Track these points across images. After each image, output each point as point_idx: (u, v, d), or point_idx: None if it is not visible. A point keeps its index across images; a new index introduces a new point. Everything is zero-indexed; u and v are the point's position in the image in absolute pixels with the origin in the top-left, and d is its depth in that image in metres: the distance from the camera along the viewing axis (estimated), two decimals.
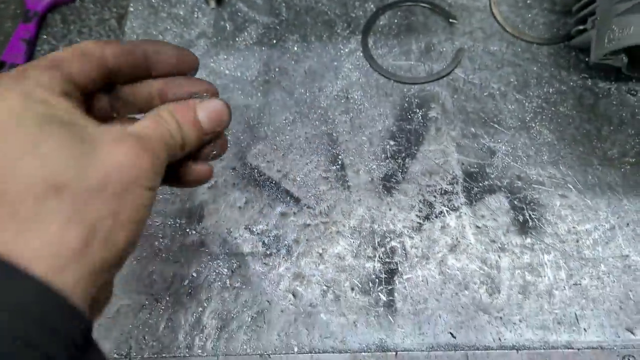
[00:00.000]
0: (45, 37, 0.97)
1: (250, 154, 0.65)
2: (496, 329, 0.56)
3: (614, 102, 0.68)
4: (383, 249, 0.60)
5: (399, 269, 0.59)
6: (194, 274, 0.59)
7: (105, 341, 0.56)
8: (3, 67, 0.95)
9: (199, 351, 0.56)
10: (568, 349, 0.55)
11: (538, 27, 0.73)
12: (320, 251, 0.59)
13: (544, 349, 0.55)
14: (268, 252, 0.59)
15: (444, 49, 0.72)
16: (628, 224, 0.61)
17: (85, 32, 0.98)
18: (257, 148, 0.65)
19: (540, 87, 0.69)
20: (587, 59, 0.70)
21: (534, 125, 0.67)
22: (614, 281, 0.58)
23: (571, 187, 0.63)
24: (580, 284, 0.58)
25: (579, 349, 0.55)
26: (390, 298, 0.57)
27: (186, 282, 0.59)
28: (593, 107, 0.68)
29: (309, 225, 0.61)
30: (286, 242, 0.60)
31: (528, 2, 0.75)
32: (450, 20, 0.73)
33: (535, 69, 0.70)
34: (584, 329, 0.56)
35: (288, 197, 0.62)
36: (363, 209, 0.62)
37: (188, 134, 0.38)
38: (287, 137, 0.66)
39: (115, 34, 0.84)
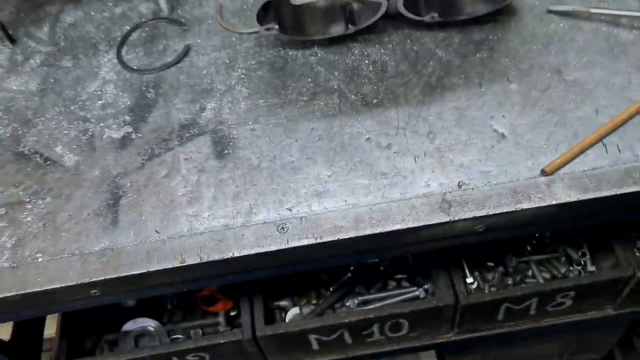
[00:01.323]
0: None
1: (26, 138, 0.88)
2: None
3: (299, 63, 0.92)
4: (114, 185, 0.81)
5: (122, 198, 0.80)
6: None
7: None
8: None
9: None
10: None
11: (249, 22, 0.98)
12: None
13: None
14: None
15: (178, 47, 0.96)
16: (297, 140, 0.83)
17: None
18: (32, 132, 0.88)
19: (245, 61, 0.93)
20: (283, 38, 0.94)
21: (237, 87, 0.90)
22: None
23: (261, 123, 0.86)
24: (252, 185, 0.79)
25: None
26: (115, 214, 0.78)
27: None
28: (283, 68, 0.92)
29: None
30: None
31: (244, 7, 1.00)
32: (184, 27, 0.98)
33: (243, 48, 0.95)
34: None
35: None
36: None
37: None
38: (52, 114, 0.89)
39: None
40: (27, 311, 0.78)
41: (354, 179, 0.79)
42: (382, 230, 0.74)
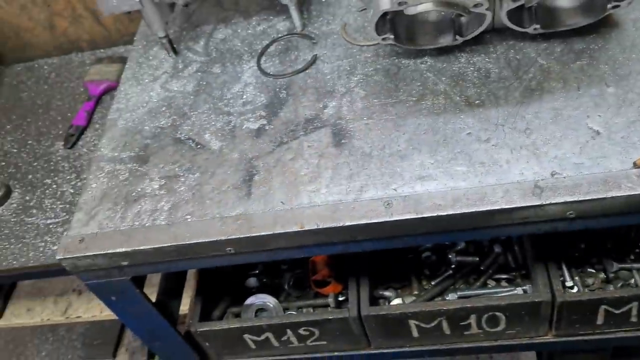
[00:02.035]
0: (100, 109, 1.51)
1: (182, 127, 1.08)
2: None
3: (410, 69, 1.05)
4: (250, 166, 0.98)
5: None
6: None
7: None
8: (71, 127, 1.47)
9: None
10: None
11: (369, 36, 1.12)
12: None
13: None
14: None
15: (307, 57, 1.13)
16: (405, 133, 0.95)
17: None
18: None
19: (363, 68, 1.07)
20: (398, 50, 1.07)
21: (355, 90, 1.04)
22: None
23: (374, 119, 0.99)
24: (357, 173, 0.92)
25: None
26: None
27: None
28: (396, 74, 1.05)
29: None
30: None
31: (365, 24, 1.15)
32: (313, 41, 1.15)
33: (362, 58, 1.09)
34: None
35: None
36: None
37: None
38: (203, 109, 1.08)
39: None
40: (175, 263, 0.96)
41: (454, 167, 0.89)
42: (476, 210, 0.83)
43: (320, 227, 0.88)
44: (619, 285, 1.12)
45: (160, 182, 1.01)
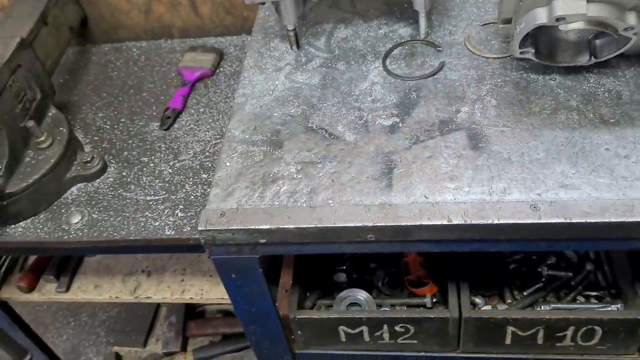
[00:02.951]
0: (193, 95, 1.53)
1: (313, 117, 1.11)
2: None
3: (540, 84, 1.09)
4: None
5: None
6: None
7: None
8: (167, 110, 1.49)
9: None
10: None
11: (493, 49, 1.17)
12: None
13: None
14: None
15: (433, 63, 1.17)
16: (542, 143, 0.99)
17: (218, 92, 1.52)
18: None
19: (492, 78, 1.12)
20: (525, 64, 1.12)
21: (487, 98, 1.09)
22: None
23: (509, 127, 1.03)
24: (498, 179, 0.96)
25: None
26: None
27: None
28: (526, 87, 1.09)
29: None
30: None
31: (488, 38, 1.20)
32: (438, 48, 1.19)
33: (490, 69, 1.13)
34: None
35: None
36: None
37: None
38: (332, 102, 1.12)
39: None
40: (313, 245, 0.99)
41: (596, 178, 0.93)
42: (625, 220, 0.87)
43: (468, 222, 0.91)
44: None
45: (297, 167, 1.03)
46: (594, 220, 0.88)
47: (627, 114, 1.02)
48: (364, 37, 1.26)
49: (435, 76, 1.15)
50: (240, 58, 1.58)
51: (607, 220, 0.88)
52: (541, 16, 0.96)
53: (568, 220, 0.89)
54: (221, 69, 1.59)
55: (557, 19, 0.95)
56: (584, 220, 0.88)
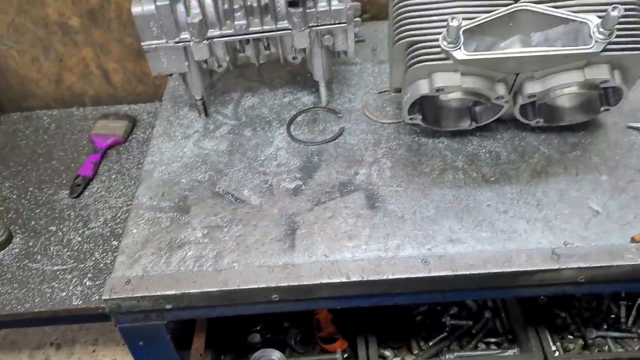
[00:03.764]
0: (105, 162, 1.54)
1: (220, 182, 1.15)
2: None
3: (430, 147, 1.19)
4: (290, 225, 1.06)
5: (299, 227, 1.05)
6: None
7: None
8: (78, 177, 1.49)
9: None
10: None
11: (389, 115, 1.27)
12: None
13: None
14: None
15: (334, 129, 1.25)
16: (432, 201, 1.07)
17: (130, 159, 1.54)
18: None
19: (387, 142, 1.21)
20: (417, 129, 1.22)
21: (382, 160, 1.17)
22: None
23: (403, 187, 1.11)
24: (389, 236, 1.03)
25: None
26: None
27: None
28: (417, 150, 1.19)
29: None
30: None
31: (384, 105, 1.30)
32: (338, 115, 1.28)
33: (385, 134, 1.23)
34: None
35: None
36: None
37: None
38: (239, 167, 1.16)
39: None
40: (218, 308, 1.01)
41: (479, 232, 1.02)
42: (504, 270, 0.96)
43: (365, 279, 0.97)
44: (596, 350, 1.27)
45: (203, 232, 1.06)
46: (477, 272, 0.96)
47: (505, 172, 1.12)
48: (270, 104, 1.34)
49: (336, 141, 1.23)
50: (153, 124, 1.61)
51: (488, 271, 0.96)
52: (423, 87, 1.07)
53: (455, 273, 0.96)
54: (134, 135, 1.61)
55: (437, 90, 1.05)
56: (468, 272, 0.96)
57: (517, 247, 0.99)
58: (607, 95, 1.11)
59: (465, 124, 1.17)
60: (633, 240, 0.98)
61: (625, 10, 1.02)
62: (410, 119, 1.15)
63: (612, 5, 0.94)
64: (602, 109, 1.12)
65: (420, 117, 1.15)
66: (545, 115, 1.15)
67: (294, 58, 1.24)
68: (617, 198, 1.06)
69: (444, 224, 1.04)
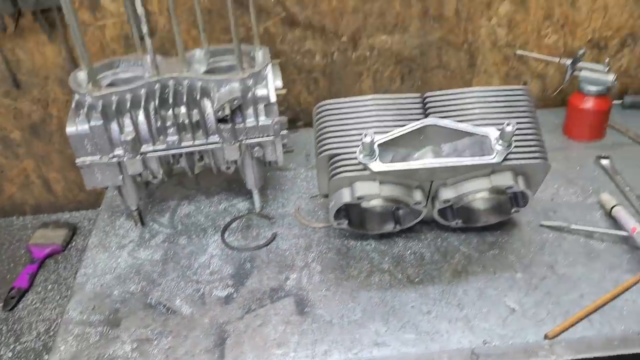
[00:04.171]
0: (42, 272, 1.54)
1: (152, 293, 1.16)
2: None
3: (358, 250, 1.24)
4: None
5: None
6: None
7: None
8: (12, 290, 1.47)
9: None
10: None
11: (320, 219, 1.32)
12: None
13: None
14: None
15: (267, 234, 1.30)
16: (359, 304, 1.11)
17: (68, 268, 1.54)
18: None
19: (318, 246, 1.26)
20: (346, 232, 1.28)
21: (312, 264, 1.21)
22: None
23: (332, 290, 1.15)
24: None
25: None
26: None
27: None
28: (346, 253, 1.24)
29: None
30: None
31: (316, 209, 1.36)
32: (271, 220, 1.33)
33: (316, 237, 1.28)
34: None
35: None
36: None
37: None
38: (172, 277, 1.18)
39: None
40: None
41: (404, 334, 1.06)
42: None
43: None
44: None
45: (132, 345, 1.06)
46: None
47: (428, 273, 1.18)
48: (206, 212, 1.38)
49: (268, 246, 1.27)
50: None
51: None
52: (346, 196, 1.13)
53: None
54: (73, 243, 1.62)
55: (358, 198, 1.12)
56: None
57: (439, 348, 1.03)
58: (517, 198, 1.20)
59: (390, 227, 1.24)
60: (546, 337, 1.03)
61: (524, 122, 1.14)
62: (338, 224, 1.21)
63: (507, 122, 1.04)
64: (513, 210, 1.21)
65: (347, 222, 1.20)
66: (463, 217, 1.23)
67: (227, 168, 1.30)
68: (531, 295, 1.12)
69: (370, 327, 1.07)
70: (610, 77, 1.46)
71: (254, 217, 1.36)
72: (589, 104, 1.51)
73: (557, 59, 1.52)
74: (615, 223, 1.26)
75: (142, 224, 1.34)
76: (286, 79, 1.59)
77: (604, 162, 1.45)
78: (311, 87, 1.63)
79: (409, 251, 1.24)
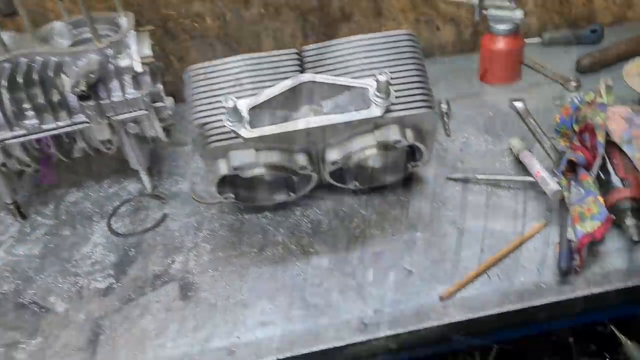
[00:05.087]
0: None
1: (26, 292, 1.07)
2: None
3: (253, 223, 1.16)
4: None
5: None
6: None
7: None
8: None
9: None
10: None
11: (215, 194, 1.23)
12: None
13: None
14: None
15: (156, 216, 1.20)
16: (247, 282, 1.03)
17: None
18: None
19: (209, 224, 1.17)
20: (241, 206, 1.19)
21: (202, 244, 1.12)
22: None
23: (219, 271, 1.06)
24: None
25: None
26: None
27: None
28: (239, 228, 1.15)
29: None
30: None
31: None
32: (163, 201, 1.24)
33: (209, 215, 1.19)
34: None
35: None
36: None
37: None
38: (50, 272, 1.09)
39: None
40: None
41: (292, 311, 0.98)
42: (311, 350, 0.91)
43: None
44: None
45: None
46: (283, 356, 0.91)
47: (324, 241, 1.10)
48: (94, 198, 1.28)
49: (157, 229, 1.18)
50: None
51: (296, 353, 0.91)
52: (222, 167, 1.04)
53: None
54: None
55: (235, 169, 1.03)
56: (274, 358, 0.91)
57: (329, 322, 0.95)
58: (413, 153, 1.11)
59: (283, 196, 1.15)
60: (441, 298, 0.96)
61: (408, 70, 1.05)
62: (225, 198, 1.12)
63: (379, 71, 0.95)
64: (411, 165, 1.12)
65: (233, 195, 1.11)
66: (360, 178, 1.15)
67: (108, 149, 1.19)
68: (429, 254, 1.04)
69: (256, 307, 0.99)
70: (518, 14, 1.37)
71: (144, 199, 1.26)
72: (499, 44, 1.41)
73: None
74: (525, 169, 1.18)
75: (23, 217, 1.24)
76: (178, 47, 1.49)
77: (518, 104, 1.37)
78: (209, 53, 1.51)
79: (306, 219, 1.15)
